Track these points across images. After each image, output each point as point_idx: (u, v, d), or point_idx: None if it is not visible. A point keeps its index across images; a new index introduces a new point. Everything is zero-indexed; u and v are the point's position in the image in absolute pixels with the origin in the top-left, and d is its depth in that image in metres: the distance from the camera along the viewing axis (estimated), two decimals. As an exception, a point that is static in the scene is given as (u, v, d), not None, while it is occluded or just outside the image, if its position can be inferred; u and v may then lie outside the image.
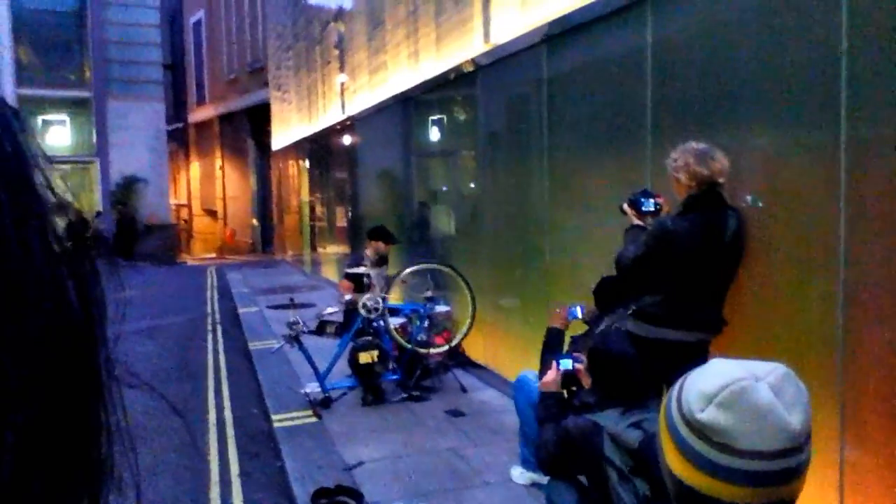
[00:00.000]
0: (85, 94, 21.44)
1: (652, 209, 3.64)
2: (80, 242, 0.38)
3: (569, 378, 3.14)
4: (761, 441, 1.33)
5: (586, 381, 2.91)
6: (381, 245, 6.77)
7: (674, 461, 1.43)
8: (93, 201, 21.85)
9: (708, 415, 1.36)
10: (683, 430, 1.40)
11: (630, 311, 3.53)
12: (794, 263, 3.34)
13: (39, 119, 21.46)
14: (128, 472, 0.41)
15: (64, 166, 22.26)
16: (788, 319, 3.36)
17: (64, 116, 22.04)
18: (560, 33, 5.17)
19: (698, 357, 3.00)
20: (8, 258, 0.34)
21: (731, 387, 1.35)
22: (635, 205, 3.68)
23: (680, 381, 1.48)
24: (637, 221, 3.66)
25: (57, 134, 21.93)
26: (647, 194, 3.69)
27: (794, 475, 1.36)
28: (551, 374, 3.14)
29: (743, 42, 3.59)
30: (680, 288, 3.38)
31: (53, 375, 0.35)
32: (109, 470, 0.39)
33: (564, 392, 3.14)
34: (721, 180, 3.31)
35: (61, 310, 0.36)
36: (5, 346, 0.33)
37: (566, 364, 3.14)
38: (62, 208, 0.38)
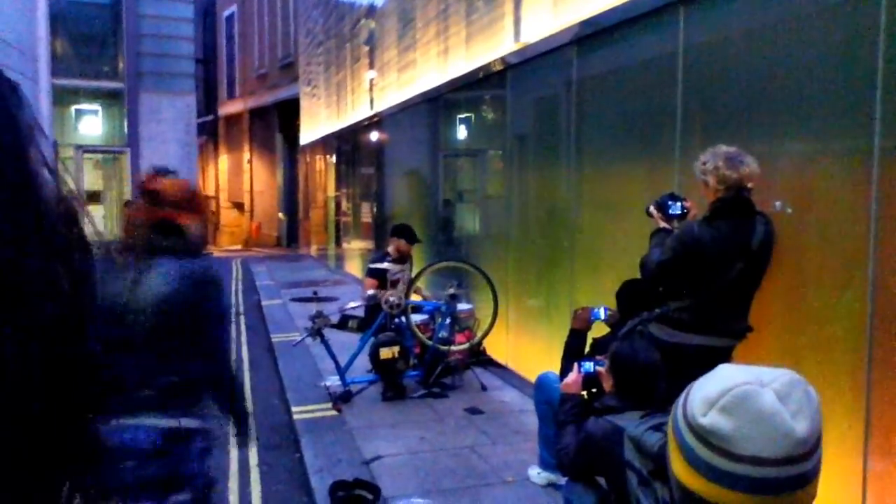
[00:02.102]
0: (118, 85, 21.74)
1: (679, 212, 3.58)
2: (73, 231, 0.38)
3: (590, 380, 3.12)
4: (763, 447, 1.29)
5: (608, 384, 2.89)
6: (402, 243, 6.78)
7: (678, 467, 1.41)
8: (123, 191, 22.18)
9: (710, 419, 1.33)
10: (687, 436, 1.38)
11: (653, 315, 3.50)
12: (823, 270, 3.30)
13: (73, 109, 21.83)
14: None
15: (96, 155, 22.67)
16: (817, 327, 3.32)
17: (97, 107, 22.38)
18: (591, 34, 5.14)
19: (721, 363, 2.97)
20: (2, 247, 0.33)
21: (734, 391, 1.32)
22: (662, 208, 3.63)
23: (688, 387, 1.46)
24: (663, 224, 3.61)
25: (89, 124, 22.28)
26: (675, 197, 3.63)
27: (800, 484, 1.31)
28: (573, 376, 3.13)
29: (776, 48, 3.54)
30: (705, 293, 3.34)
31: (45, 362, 0.34)
32: (101, 450, 0.39)
33: (585, 394, 3.13)
34: (750, 185, 3.25)
35: (53, 298, 0.35)
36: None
37: (588, 366, 3.12)
38: (61, 195, 0.37)
